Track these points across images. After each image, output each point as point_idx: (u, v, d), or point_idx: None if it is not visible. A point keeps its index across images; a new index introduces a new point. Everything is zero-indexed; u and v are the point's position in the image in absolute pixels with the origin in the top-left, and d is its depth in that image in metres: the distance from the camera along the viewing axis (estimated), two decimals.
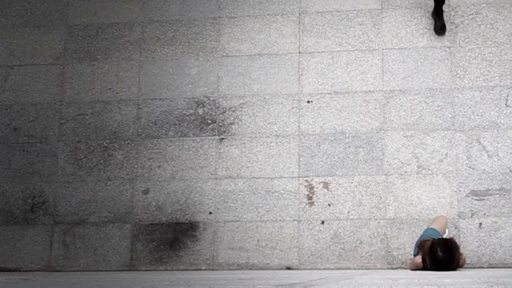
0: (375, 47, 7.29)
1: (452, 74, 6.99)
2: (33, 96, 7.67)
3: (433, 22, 7.21)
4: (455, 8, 7.27)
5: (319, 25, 7.44)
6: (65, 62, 7.72)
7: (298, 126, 7.21)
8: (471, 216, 6.76)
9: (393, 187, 6.96)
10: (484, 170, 6.81)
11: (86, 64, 7.69)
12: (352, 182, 7.01)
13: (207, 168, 7.25)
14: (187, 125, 7.36)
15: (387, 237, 6.87)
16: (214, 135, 7.29)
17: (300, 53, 7.39)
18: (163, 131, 7.39)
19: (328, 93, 7.25)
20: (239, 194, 7.16)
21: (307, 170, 7.12)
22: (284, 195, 7.11)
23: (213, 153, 7.27)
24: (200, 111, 7.36)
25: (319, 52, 7.37)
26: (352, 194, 7.01)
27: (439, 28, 7.15)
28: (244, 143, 7.24)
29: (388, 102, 7.13)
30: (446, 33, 7.16)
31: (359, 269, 6.83)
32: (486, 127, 6.93)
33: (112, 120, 7.50)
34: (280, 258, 7.01)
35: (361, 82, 7.23)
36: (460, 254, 5.92)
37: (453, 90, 7.05)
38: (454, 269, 5.71)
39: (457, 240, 6.14)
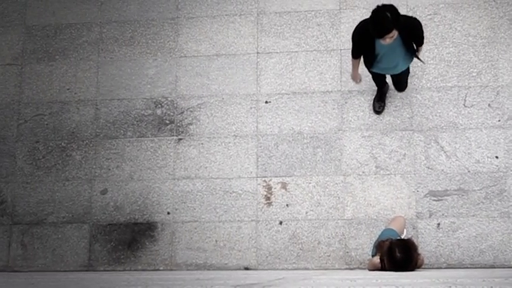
0: (333, 47, 7.30)
1: (410, 74, 6.99)
2: None
3: (374, 97, 7.18)
4: (414, 8, 7.28)
5: (277, 25, 7.44)
6: (23, 62, 7.71)
7: (256, 127, 7.21)
8: (429, 217, 6.76)
9: (351, 187, 6.97)
10: (442, 170, 6.82)
11: (44, 64, 7.68)
12: (310, 183, 7.02)
13: (165, 168, 7.25)
14: (145, 125, 7.36)
15: (345, 238, 6.87)
16: (173, 135, 7.29)
17: (258, 53, 7.39)
18: (122, 131, 7.38)
19: (286, 94, 7.25)
20: (197, 195, 7.16)
21: (265, 171, 7.12)
22: (242, 196, 7.11)
23: (171, 154, 7.27)
24: (158, 111, 7.36)
25: (277, 52, 7.37)
26: (310, 195, 7.01)
27: (378, 107, 7.11)
28: (202, 144, 7.24)
29: (346, 102, 7.13)
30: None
31: (317, 269, 6.83)
32: (444, 127, 6.94)
33: (70, 120, 7.49)
34: (238, 259, 7.01)
35: (319, 82, 7.23)
36: (418, 254, 5.92)
37: (411, 90, 7.05)
38: (412, 270, 5.71)
39: (415, 241, 6.15)
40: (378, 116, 7.11)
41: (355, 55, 6.23)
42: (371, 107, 7.07)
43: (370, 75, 6.81)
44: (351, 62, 6.50)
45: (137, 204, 7.20)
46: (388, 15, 5.55)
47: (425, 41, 7.12)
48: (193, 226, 7.09)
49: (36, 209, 7.36)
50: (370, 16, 5.64)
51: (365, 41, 6.02)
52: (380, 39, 5.67)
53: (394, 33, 5.60)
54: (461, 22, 7.19)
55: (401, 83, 6.83)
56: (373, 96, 7.17)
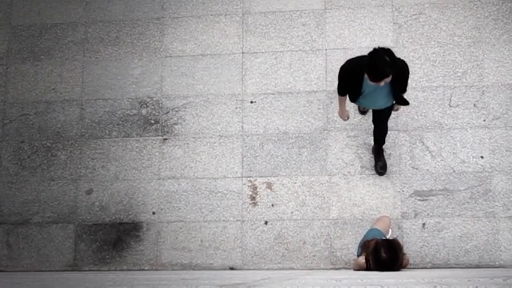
0: (318, 47, 7.30)
1: None
2: None
3: (374, 161, 7.09)
4: (399, 8, 7.28)
5: (262, 25, 7.44)
6: (8, 62, 7.70)
7: (242, 127, 7.21)
8: (414, 217, 6.76)
9: (336, 187, 6.97)
10: (428, 170, 6.82)
11: (30, 64, 7.67)
12: (295, 183, 7.02)
13: (150, 168, 7.24)
14: (130, 125, 7.35)
15: (330, 238, 6.87)
16: (158, 135, 7.28)
17: (243, 53, 7.39)
18: (107, 131, 7.38)
19: (272, 94, 7.25)
20: (182, 194, 7.16)
21: (251, 171, 7.11)
22: (227, 196, 7.10)
23: (157, 154, 7.26)
24: (143, 111, 7.35)
25: (262, 52, 7.37)
26: (295, 195, 7.01)
27: (380, 168, 7.02)
28: (187, 143, 7.23)
29: (331, 102, 7.13)
30: (390, 34, 7.18)
31: (302, 269, 6.82)
32: (429, 127, 6.94)
33: (55, 120, 7.48)
34: (223, 259, 7.00)
35: (304, 82, 7.23)
36: (404, 254, 5.92)
37: None
38: (398, 270, 5.71)
39: (400, 241, 6.15)
40: (363, 116, 7.10)
41: (342, 92, 6.16)
42: (356, 107, 7.08)
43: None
44: (337, 99, 6.42)
45: (122, 204, 7.20)
46: (387, 59, 5.48)
47: (410, 40, 7.12)
48: (178, 226, 7.09)
49: (21, 209, 7.35)
50: (368, 59, 5.55)
51: (353, 81, 5.98)
52: (375, 83, 5.64)
53: (390, 77, 5.57)
54: (447, 22, 7.20)
55: (381, 119, 6.73)
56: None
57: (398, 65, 5.60)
